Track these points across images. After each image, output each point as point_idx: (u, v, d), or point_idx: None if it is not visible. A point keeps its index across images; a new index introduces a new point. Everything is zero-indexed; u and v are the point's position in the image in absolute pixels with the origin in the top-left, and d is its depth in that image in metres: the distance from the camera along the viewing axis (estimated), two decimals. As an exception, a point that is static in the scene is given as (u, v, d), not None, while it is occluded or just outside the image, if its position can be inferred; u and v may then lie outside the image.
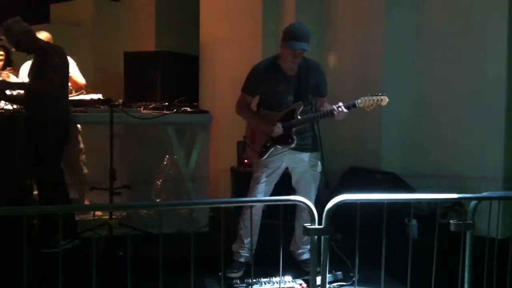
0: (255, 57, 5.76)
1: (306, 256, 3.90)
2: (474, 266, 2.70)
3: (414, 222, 4.48)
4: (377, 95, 3.50)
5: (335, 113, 3.52)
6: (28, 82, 4.40)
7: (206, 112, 5.26)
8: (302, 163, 3.80)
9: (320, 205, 2.62)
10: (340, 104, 3.53)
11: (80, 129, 5.29)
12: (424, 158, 5.36)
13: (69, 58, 4.69)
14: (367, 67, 5.60)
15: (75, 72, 5.32)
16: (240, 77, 5.94)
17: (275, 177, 3.85)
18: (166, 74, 5.89)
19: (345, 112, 3.52)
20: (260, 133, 3.81)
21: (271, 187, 3.85)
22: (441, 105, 5.27)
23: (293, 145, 3.70)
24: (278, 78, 3.72)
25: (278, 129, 3.66)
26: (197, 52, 6.81)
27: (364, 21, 5.68)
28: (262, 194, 3.79)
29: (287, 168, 3.89)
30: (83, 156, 5.36)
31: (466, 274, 2.70)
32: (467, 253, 2.69)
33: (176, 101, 5.10)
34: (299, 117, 3.68)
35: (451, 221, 2.70)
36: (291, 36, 3.57)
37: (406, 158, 5.45)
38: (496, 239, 2.67)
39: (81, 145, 5.36)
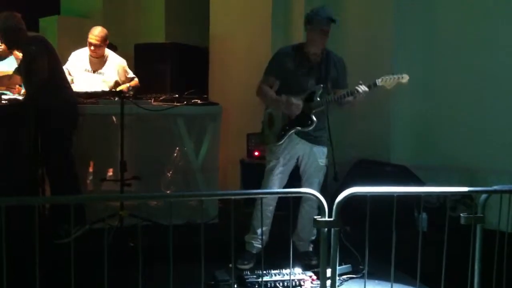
0: (264, 48, 5.77)
1: (306, 248, 3.94)
2: (484, 259, 2.70)
3: (423, 215, 4.47)
4: (398, 74, 3.54)
5: (356, 92, 3.55)
6: (24, 94, 4.53)
7: (216, 104, 5.26)
8: (311, 155, 3.82)
9: (329, 197, 2.62)
10: (361, 82, 3.57)
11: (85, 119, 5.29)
12: (434, 150, 5.34)
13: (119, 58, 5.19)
14: (377, 58, 5.56)
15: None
16: (250, 69, 5.94)
17: (289, 168, 3.87)
18: (176, 66, 5.91)
19: (366, 90, 3.55)
20: (278, 117, 3.81)
21: (286, 178, 3.86)
22: (451, 97, 5.24)
23: (312, 127, 3.69)
24: (301, 62, 3.78)
25: (298, 106, 3.65)
26: (206, 44, 6.81)
27: (374, 12, 5.64)
28: (276, 186, 3.80)
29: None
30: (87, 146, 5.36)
31: (476, 267, 2.70)
32: (477, 246, 2.69)
33: (186, 93, 5.11)
34: (318, 99, 3.69)
35: (461, 214, 2.70)
36: (315, 15, 3.69)
37: (416, 150, 5.43)
38: (506, 232, 2.66)
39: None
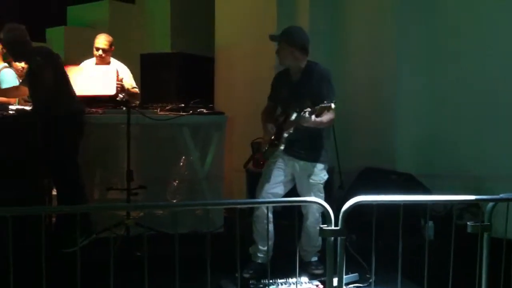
0: (269, 58, 5.76)
1: (310, 258, 3.93)
2: (491, 268, 2.68)
3: (430, 223, 4.45)
4: (324, 104, 3.43)
5: (300, 117, 3.53)
6: (32, 106, 4.56)
7: (221, 113, 5.28)
8: (300, 171, 3.84)
9: (335, 206, 2.62)
10: (309, 109, 3.51)
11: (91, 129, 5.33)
12: (440, 158, 5.33)
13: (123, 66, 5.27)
14: (381, 66, 5.57)
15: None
16: (255, 78, 5.96)
17: (280, 180, 3.86)
18: (181, 75, 5.91)
19: (307, 117, 3.49)
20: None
21: (278, 190, 3.85)
22: (456, 105, 5.23)
23: (281, 148, 3.75)
24: (284, 84, 3.90)
25: (268, 131, 3.83)
26: (212, 53, 6.84)
27: (377, 20, 5.65)
28: (264, 194, 3.82)
29: None
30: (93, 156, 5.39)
31: (483, 276, 2.69)
32: (484, 254, 2.68)
33: (191, 102, 5.13)
34: (291, 119, 3.69)
35: (468, 222, 2.69)
36: None
37: (422, 158, 5.41)
38: (514, 241, 2.65)
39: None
